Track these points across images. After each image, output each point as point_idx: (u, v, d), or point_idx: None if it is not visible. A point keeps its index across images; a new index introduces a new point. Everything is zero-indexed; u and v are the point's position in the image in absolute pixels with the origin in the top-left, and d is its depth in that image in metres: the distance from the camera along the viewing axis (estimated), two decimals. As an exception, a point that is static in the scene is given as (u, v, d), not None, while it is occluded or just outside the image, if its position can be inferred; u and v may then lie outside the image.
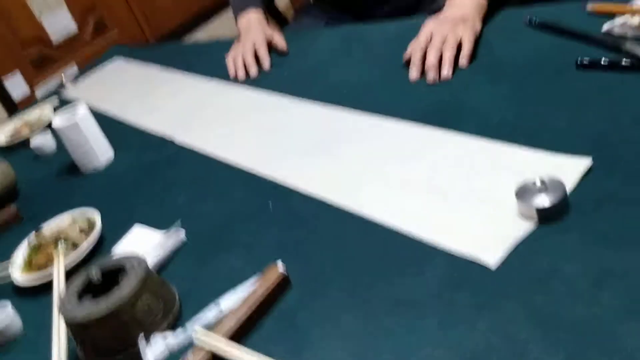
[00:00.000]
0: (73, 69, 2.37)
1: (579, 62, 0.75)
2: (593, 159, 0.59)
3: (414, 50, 0.89)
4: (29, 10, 2.28)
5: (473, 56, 0.87)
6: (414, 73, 0.87)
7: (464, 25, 0.89)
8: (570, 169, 0.59)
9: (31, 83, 2.30)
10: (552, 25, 0.87)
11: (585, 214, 0.54)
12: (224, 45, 1.29)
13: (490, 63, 0.86)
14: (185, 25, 2.79)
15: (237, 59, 1.17)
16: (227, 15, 2.87)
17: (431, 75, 0.85)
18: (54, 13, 2.34)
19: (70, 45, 2.42)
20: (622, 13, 0.83)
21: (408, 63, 0.90)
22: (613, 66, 0.73)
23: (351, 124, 0.83)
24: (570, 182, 0.57)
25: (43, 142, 1.17)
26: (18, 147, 1.26)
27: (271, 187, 0.77)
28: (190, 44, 1.60)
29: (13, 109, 2.23)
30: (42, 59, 2.35)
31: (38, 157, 1.17)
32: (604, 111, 0.66)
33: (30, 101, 2.23)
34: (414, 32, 0.94)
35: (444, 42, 0.86)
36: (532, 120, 0.70)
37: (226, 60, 1.20)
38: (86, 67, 1.64)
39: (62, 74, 1.58)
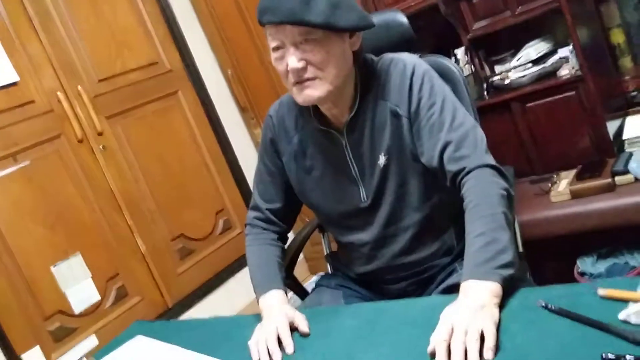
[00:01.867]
0: (92, 340, 2.39)
1: (603, 357, 0.76)
2: None
3: (437, 343, 0.90)
4: (55, 283, 2.37)
5: (496, 346, 0.88)
6: (442, 368, 0.87)
7: (483, 314, 0.92)
8: None
9: (49, 357, 2.30)
10: (569, 314, 0.89)
11: None
12: (246, 323, 1.31)
13: (515, 354, 0.87)
14: (203, 288, 2.88)
15: (260, 345, 1.18)
16: (241, 276, 2.98)
17: (460, 371, 0.85)
18: (79, 285, 2.44)
19: (91, 315, 2.47)
20: (635, 301, 0.86)
21: (433, 355, 0.91)
22: (639, 362, 0.73)
23: None
24: None
25: None
26: None
27: None
28: (211, 320, 1.63)
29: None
30: (63, 330, 2.38)
31: None
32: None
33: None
34: (432, 313, 0.98)
35: (466, 335, 0.88)
36: None
37: (249, 344, 1.21)
38: (107, 345, 1.65)
39: (84, 357, 1.58)
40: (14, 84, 2.40)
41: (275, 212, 1.46)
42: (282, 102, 1.40)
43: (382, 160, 1.26)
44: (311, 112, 1.30)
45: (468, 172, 1.16)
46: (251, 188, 3.10)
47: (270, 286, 1.34)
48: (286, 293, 1.36)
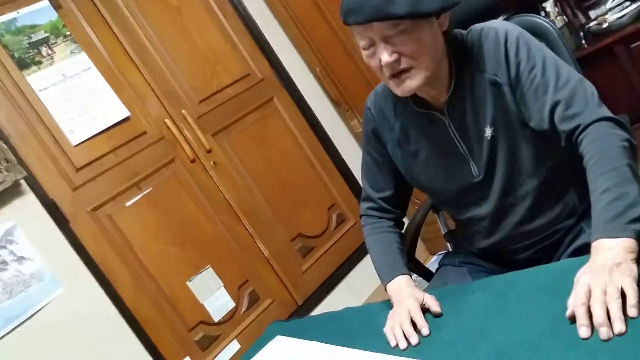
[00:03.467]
0: (235, 345, 2.54)
1: None
2: None
3: (575, 307, 0.89)
4: (193, 296, 2.54)
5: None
6: (584, 332, 0.86)
7: (620, 271, 0.90)
8: None
9: (200, 365, 2.48)
10: None
11: None
12: (377, 311, 1.35)
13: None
14: (328, 282, 2.96)
15: (395, 330, 1.21)
16: (362, 266, 3.04)
17: (604, 333, 0.84)
18: (214, 295, 2.59)
19: (229, 321, 2.63)
20: None
21: (571, 318, 0.90)
22: None
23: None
24: None
25: None
26: None
27: None
28: (343, 311, 1.68)
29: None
30: (207, 339, 2.54)
31: None
32: None
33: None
34: (565, 278, 0.96)
35: (605, 294, 0.87)
36: None
37: (384, 331, 1.24)
38: (251, 348, 1.74)
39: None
40: (127, 119, 2.59)
41: (388, 200, 1.48)
42: (377, 92, 1.42)
43: (488, 132, 1.25)
44: (408, 98, 1.31)
45: (584, 129, 1.12)
46: (356, 178, 3.18)
47: (395, 272, 1.36)
48: (411, 277, 1.38)
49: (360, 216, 1.55)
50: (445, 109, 1.28)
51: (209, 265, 2.62)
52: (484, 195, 1.32)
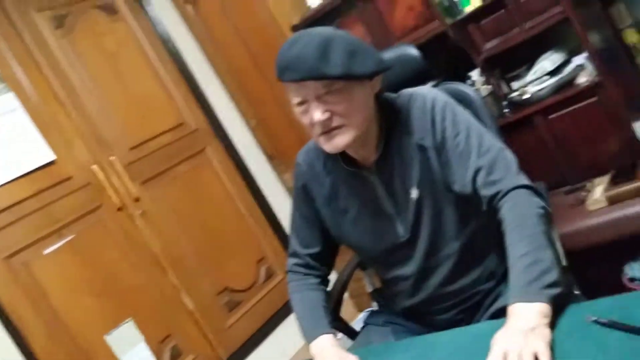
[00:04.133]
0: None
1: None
2: None
3: (492, 370, 0.91)
4: (110, 352, 2.42)
5: (552, 366, 0.89)
6: (500, 392, 0.88)
7: (534, 336, 0.93)
8: None
9: None
10: (622, 326, 0.89)
11: None
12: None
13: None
14: (254, 338, 2.90)
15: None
16: (289, 322, 2.99)
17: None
18: (134, 350, 2.48)
19: (149, 379, 2.51)
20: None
21: (490, 382, 0.92)
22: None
23: None
24: None
25: None
26: None
27: None
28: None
29: None
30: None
31: None
32: None
33: None
34: (483, 341, 0.99)
35: (520, 358, 0.89)
36: None
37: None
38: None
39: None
40: (52, 162, 2.51)
41: (315, 257, 1.48)
42: (310, 147, 1.44)
43: (414, 194, 1.28)
44: (339, 156, 1.33)
45: (504, 195, 1.17)
46: (287, 233, 3.16)
47: (319, 331, 1.35)
48: (335, 336, 1.37)
49: (287, 272, 1.54)
50: (374, 169, 1.31)
51: (130, 318, 2.50)
52: (409, 255, 1.34)
